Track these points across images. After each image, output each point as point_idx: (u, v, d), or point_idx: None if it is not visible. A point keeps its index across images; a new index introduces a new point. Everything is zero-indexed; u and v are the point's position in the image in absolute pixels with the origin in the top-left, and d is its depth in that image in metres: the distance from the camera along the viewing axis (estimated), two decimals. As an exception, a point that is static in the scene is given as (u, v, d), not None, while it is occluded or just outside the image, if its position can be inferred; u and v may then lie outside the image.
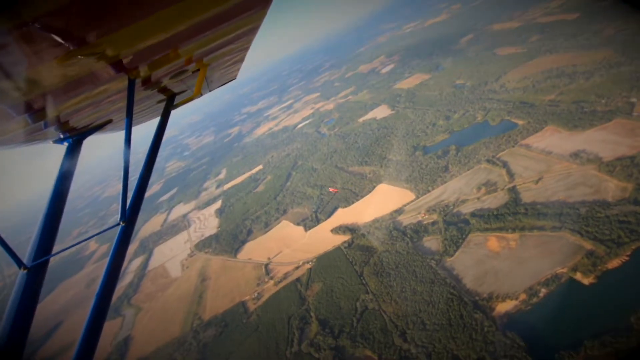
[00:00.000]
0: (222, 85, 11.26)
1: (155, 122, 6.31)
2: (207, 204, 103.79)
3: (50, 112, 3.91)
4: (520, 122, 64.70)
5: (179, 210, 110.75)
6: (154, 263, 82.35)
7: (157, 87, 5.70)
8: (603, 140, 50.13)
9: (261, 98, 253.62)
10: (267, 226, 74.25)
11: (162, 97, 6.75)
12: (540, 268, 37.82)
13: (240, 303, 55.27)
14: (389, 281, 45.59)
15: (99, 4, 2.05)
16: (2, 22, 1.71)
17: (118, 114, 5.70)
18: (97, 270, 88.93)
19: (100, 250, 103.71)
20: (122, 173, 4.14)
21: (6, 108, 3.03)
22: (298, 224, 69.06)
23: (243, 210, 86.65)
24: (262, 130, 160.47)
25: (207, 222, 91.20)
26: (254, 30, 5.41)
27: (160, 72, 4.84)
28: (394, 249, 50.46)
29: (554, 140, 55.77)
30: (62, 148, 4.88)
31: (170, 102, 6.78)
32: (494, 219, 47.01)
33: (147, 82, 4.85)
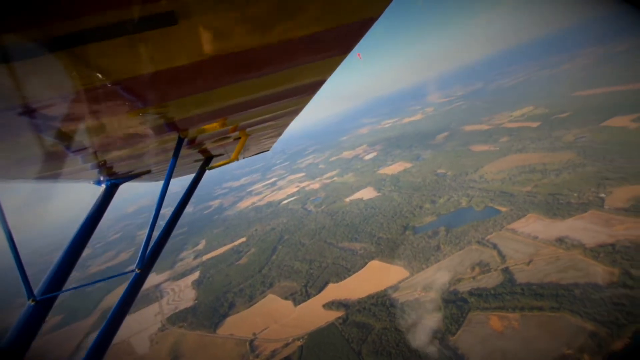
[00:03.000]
0: (255, 154, 12.02)
1: (187, 178, 7.00)
2: (183, 274, 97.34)
3: (102, 157, 4.19)
4: (503, 209, 69.19)
5: (151, 280, 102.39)
6: (117, 337, 72.81)
7: (199, 147, 6.17)
8: (583, 229, 54.18)
9: (244, 175, 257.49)
10: (251, 299, 69.95)
11: (200, 157, 7.26)
12: (548, 348, 37.37)
13: (220, 385, 49.35)
14: (391, 361, 43.05)
15: (169, 78, 2.29)
16: (89, 81, 1.93)
17: (158, 166, 6.27)
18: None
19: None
20: (149, 222, 4.42)
21: (64, 148, 3.23)
22: (286, 298, 65.64)
23: (224, 282, 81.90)
24: (245, 204, 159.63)
25: (182, 294, 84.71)
26: (297, 111, 5.85)
27: (206, 136, 5.25)
28: (393, 326, 48.64)
29: (537, 226, 59.62)
30: (97, 189, 5.16)
31: (207, 163, 7.33)
32: (493, 298, 47.33)
33: (192, 142, 5.26)
